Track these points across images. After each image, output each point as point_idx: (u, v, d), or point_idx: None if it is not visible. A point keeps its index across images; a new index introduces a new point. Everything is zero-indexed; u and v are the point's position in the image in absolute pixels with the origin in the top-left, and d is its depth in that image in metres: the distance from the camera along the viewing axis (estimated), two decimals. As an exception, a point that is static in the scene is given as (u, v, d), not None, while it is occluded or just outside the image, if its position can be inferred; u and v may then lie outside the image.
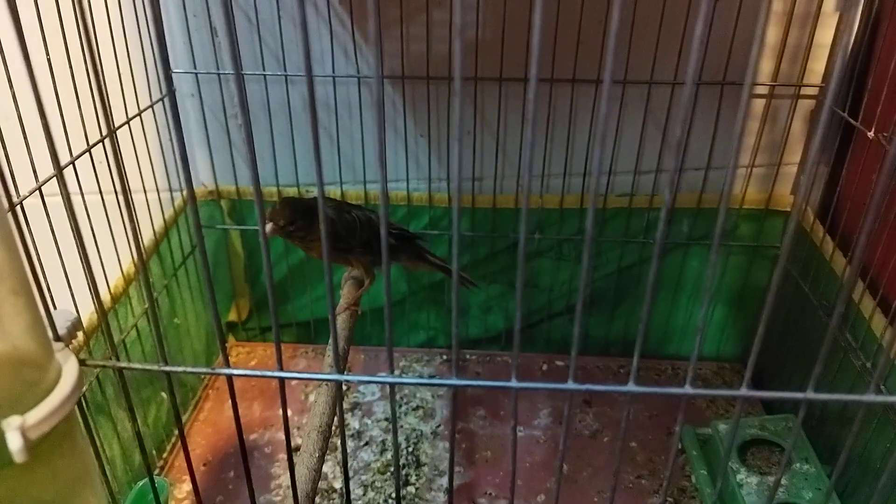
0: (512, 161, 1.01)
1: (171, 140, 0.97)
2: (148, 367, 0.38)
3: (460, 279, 0.95)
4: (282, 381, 0.39)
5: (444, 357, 1.19)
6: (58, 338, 0.39)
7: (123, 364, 0.39)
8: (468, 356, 1.19)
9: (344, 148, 1.01)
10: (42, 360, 0.36)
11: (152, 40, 0.89)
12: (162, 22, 0.91)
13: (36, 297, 0.37)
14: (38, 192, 0.66)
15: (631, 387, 0.37)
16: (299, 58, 0.95)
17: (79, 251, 0.35)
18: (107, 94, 0.29)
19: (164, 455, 0.97)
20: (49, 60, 0.66)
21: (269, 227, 0.77)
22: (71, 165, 0.70)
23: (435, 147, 1.01)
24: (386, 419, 1.04)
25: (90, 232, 0.73)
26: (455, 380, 0.37)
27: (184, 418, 1.03)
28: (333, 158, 1.01)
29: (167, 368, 0.38)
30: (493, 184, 1.03)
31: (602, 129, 0.29)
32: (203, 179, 1.05)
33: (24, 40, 0.31)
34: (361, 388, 1.10)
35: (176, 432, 1.00)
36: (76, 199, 0.65)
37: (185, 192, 1.02)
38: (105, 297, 0.79)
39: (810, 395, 0.37)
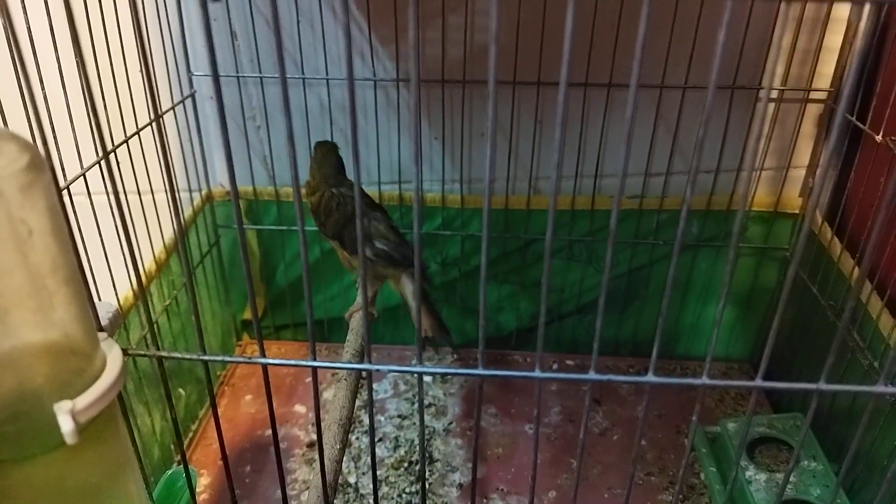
0: (524, 163, 1.03)
1: (190, 141, 0.99)
2: (188, 356, 0.40)
3: (437, 337, 0.92)
4: (314, 369, 0.41)
5: (454, 356, 1.20)
6: (100, 328, 0.41)
7: (164, 353, 0.40)
8: (479, 355, 1.20)
9: (359, 149, 1.03)
10: (89, 348, 0.38)
11: (174, 44, 0.92)
12: (184, 28, 0.93)
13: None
14: (66, 189, 0.68)
15: (650, 377, 0.39)
16: (317, 61, 0.97)
17: (125, 245, 0.37)
18: (155, 83, 0.31)
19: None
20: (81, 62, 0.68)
21: None
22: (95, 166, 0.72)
23: (449, 149, 1.03)
24: (399, 416, 1.06)
25: (115, 230, 0.75)
26: (482, 370, 0.39)
27: (200, 413, 1.05)
28: (350, 159, 1.03)
29: (206, 357, 0.40)
30: (505, 185, 1.05)
31: (627, 130, 0.31)
32: (221, 180, 1.07)
33: (79, 44, 0.33)
34: (375, 385, 1.11)
35: (193, 427, 1.02)
36: (100, 199, 0.67)
37: (203, 192, 1.05)
38: (129, 292, 0.81)
39: (822, 385, 0.39)
